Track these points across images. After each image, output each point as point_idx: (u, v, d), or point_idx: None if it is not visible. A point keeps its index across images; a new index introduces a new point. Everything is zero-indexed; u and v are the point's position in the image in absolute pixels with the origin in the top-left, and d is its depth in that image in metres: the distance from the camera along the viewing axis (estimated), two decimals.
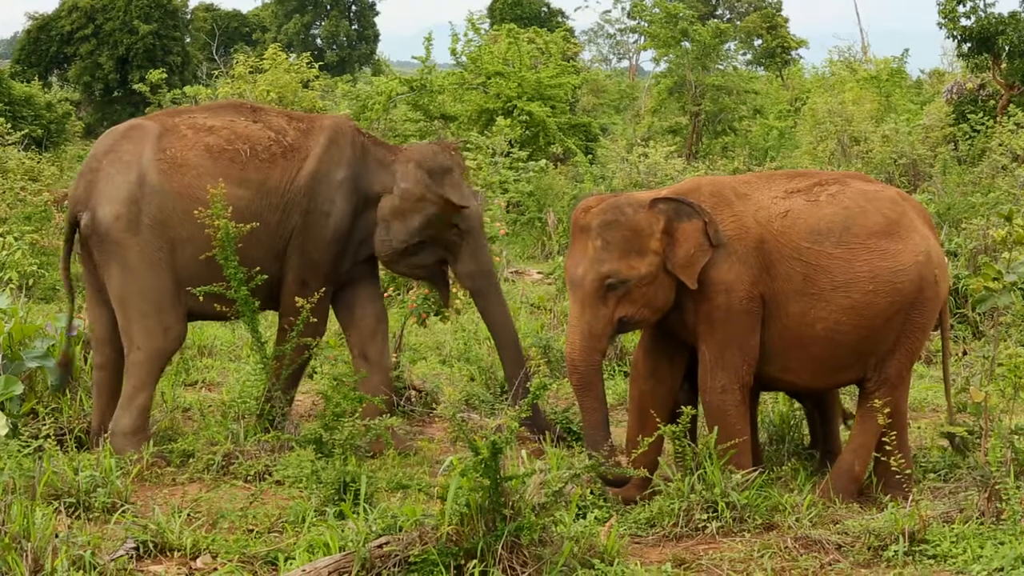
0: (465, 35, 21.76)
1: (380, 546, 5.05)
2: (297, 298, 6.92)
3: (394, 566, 4.99)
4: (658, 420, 6.21)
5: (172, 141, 6.90)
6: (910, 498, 5.80)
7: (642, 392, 6.50)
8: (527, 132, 19.60)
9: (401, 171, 7.31)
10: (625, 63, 56.48)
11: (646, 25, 27.57)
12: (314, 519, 5.72)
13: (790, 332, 6.29)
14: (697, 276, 6.20)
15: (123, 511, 5.78)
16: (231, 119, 7.14)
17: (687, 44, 24.54)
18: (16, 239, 11.76)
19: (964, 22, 20.47)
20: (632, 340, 9.07)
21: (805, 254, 6.25)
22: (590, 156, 20.33)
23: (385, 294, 8.63)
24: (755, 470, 6.18)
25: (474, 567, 4.93)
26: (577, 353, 6.28)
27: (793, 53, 39.62)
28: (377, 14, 52.08)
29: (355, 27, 51.44)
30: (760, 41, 40.14)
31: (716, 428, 6.21)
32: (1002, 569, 5.16)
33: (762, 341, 6.31)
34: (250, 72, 20.88)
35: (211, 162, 6.90)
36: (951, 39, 21.10)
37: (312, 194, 7.08)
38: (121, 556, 5.17)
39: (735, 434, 6.21)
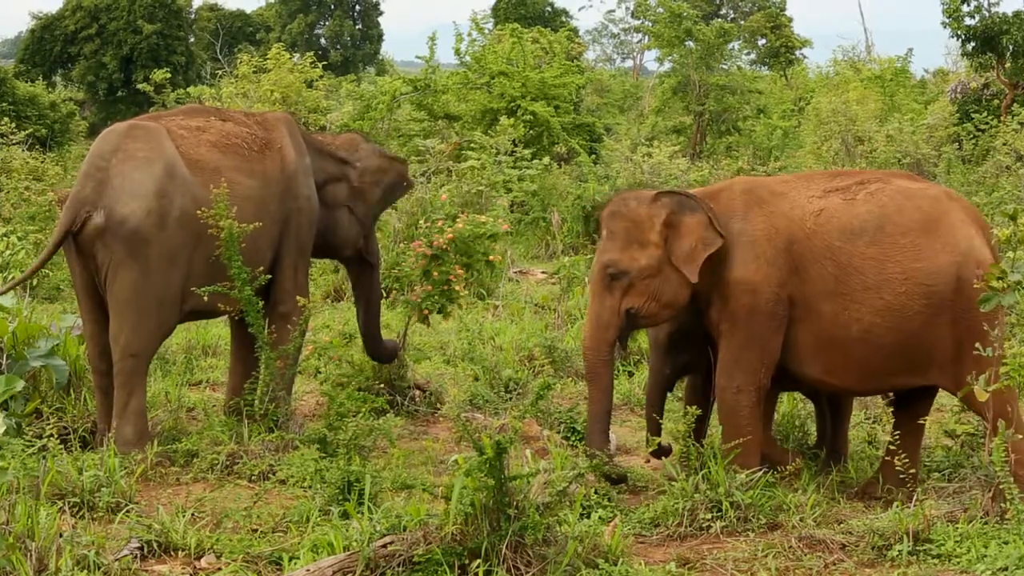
0: (469, 35, 21.73)
1: (384, 546, 5.05)
2: (299, 298, 7.17)
3: (398, 566, 4.99)
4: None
5: (177, 140, 6.93)
6: (913, 497, 5.79)
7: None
8: (531, 132, 19.58)
9: (349, 153, 7.81)
10: (629, 63, 56.51)
11: (650, 25, 27.52)
12: (318, 519, 5.73)
13: (826, 333, 6.21)
14: (720, 273, 6.24)
15: (127, 511, 5.78)
16: (206, 119, 7.30)
17: (691, 44, 24.47)
18: (20, 239, 11.76)
19: (968, 21, 20.41)
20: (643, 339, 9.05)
21: (837, 253, 6.18)
22: (594, 156, 20.30)
23: (388, 296, 8.64)
24: (759, 470, 6.18)
25: (478, 567, 4.93)
26: (587, 342, 6.46)
27: (797, 53, 39.54)
28: (381, 14, 52.04)
29: (359, 27, 51.41)
30: (764, 41, 40.08)
31: (726, 427, 6.24)
32: (1006, 568, 5.16)
33: (798, 342, 6.26)
34: (254, 72, 20.86)
35: (222, 156, 7.06)
36: (955, 38, 21.04)
37: (296, 182, 7.33)
38: (125, 556, 5.18)
39: (744, 435, 6.21)
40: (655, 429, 6.58)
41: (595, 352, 6.42)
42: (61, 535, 4.99)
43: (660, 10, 25.76)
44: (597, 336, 6.39)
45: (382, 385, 8.01)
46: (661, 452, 6.58)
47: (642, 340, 8.78)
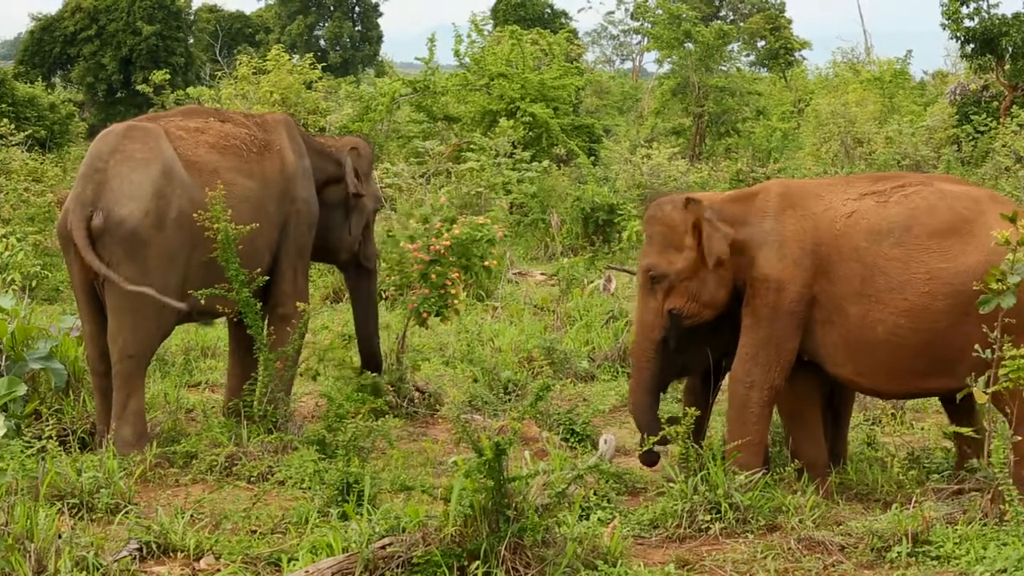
0: (468, 36, 21.77)
1: (383, 547, 5.05)
2: (298, 303, 7.20)
3: (397, 567, 4.98)
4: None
5: (175, 141, 6.92)
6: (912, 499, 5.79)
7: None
8: (530, 133, 19.61)
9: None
10: (628, 64, 56.61)
11: (649, 26, 27.58)
12: (317, 520, 5.72)
13: (853, 335, 6.21)
14: (749, 270, 6.35)
15: (126, 512, 5.78)
16: (205, 120, 7.29)
17: (690, 45, 24.52)
18: (19, 240, 11.77)
19: (967, 23, 20.45)
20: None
21: (863, 254, 6.17)
22: (593, 158, 20.33)
23: (386, 295, 8.65)
24: (759, 471, 6.19)
25: (477, 568, 4.93)
26: (635, 341, 6.79)
27: (796, 54, 39.63)
28: (380, 15, 52.06)
29: (358, 28, 51.42)
30: (763, 42, 40.15)
31: (733, 422, 6.27)
32: (1005, 570, 5.15)
33: (829, 343, 6.27)
34: (253, 73, 20.89)
35: (220, 157, 7.05)
36: (954, 40, 21.09)
37: (295, 183, 7.35)
38: (124, 557, 5.18)
39: (750, 432, 6.26)
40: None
41: (641, 350, 6.65)
42: (60, 536, 4.99)
43: (659, 12, 25.82)
44: (642, 336, 6.64)
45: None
46: (650, 458, 6.58)
47: None
